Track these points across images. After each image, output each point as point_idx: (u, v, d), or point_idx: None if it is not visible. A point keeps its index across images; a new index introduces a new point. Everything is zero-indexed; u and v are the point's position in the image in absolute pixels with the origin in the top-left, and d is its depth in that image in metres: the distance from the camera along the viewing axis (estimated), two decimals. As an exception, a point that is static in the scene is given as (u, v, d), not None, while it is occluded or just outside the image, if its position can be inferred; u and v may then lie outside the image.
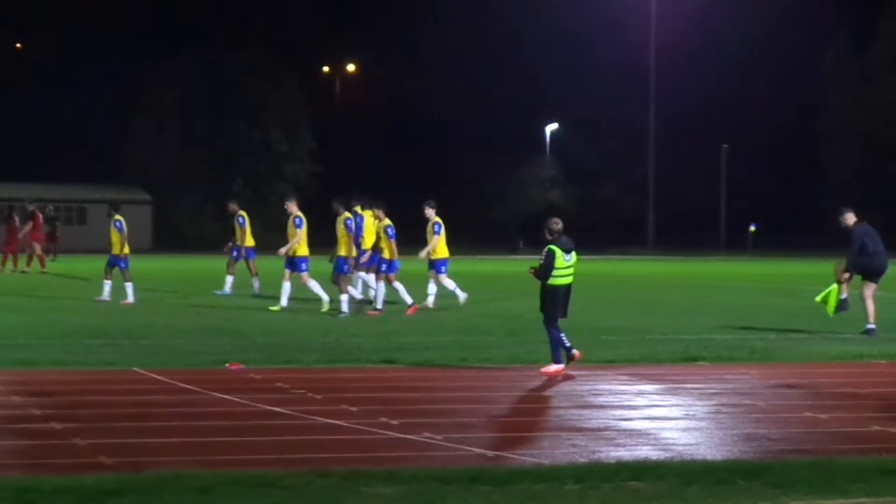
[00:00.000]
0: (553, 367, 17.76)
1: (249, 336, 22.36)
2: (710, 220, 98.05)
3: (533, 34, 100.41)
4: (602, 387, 16.76)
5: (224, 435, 12.75)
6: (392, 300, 28.61)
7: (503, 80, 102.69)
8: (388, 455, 11.66)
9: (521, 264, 20.70)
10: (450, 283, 29.34)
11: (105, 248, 30.83)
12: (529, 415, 14.97)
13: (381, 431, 12.91)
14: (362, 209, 28.77)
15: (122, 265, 29.84)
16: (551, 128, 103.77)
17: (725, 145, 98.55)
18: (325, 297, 27.79)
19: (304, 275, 28.35)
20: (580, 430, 13.33)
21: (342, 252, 27.57)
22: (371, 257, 28.58)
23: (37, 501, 9.57)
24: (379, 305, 28.02)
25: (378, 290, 28.30)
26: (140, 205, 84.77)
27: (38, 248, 46.60)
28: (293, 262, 28.41)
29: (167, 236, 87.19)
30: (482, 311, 28.74)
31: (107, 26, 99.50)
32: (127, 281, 29.78)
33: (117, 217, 29.85)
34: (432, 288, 29.38)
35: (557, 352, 17.84)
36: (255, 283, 32.82)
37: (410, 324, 25.40)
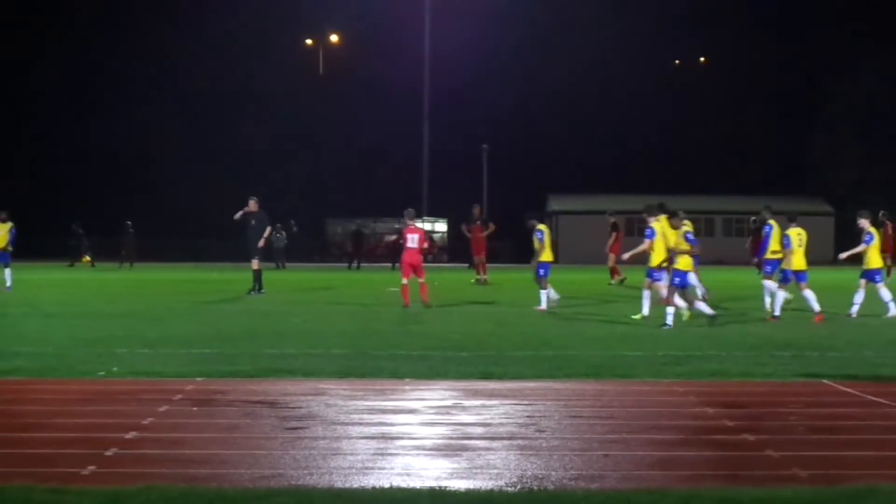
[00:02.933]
0: None
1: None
2: None
3: None
4: None
5: (917, 450, 12.59)
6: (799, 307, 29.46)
7: None
8: None
9: None
10: (886, 294, 29.76)
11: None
12: None
13: None
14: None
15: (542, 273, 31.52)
16: None
17: None
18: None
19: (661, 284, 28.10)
20: None
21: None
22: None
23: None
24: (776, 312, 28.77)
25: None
26: (822, 216, 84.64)
27: (612, 261, 47.45)
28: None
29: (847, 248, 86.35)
30: None
31: (794, 37, 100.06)
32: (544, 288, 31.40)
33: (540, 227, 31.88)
34: (886, 294, 29.91)
35: None
36: (700, 289, 32.03)
37: None
